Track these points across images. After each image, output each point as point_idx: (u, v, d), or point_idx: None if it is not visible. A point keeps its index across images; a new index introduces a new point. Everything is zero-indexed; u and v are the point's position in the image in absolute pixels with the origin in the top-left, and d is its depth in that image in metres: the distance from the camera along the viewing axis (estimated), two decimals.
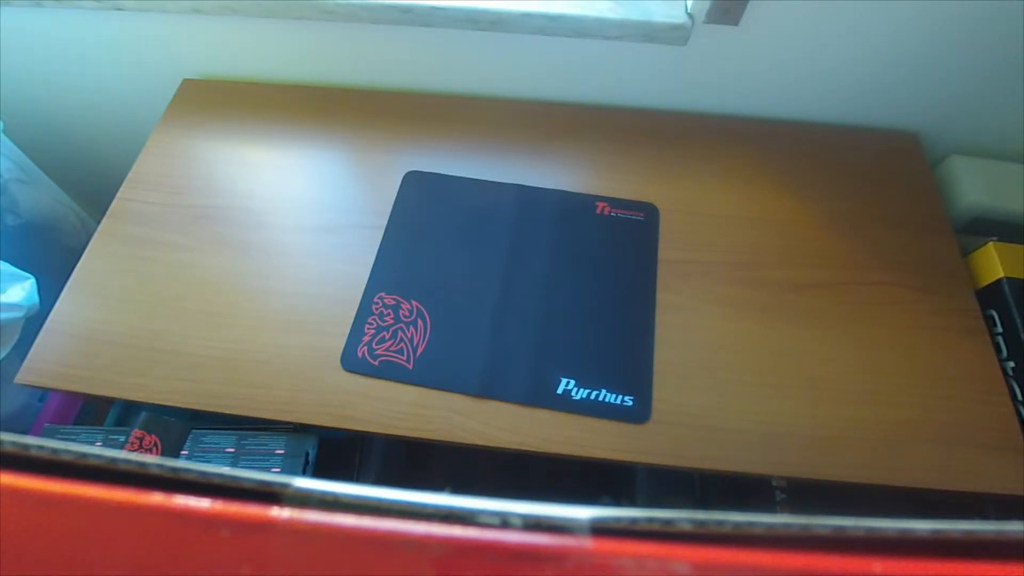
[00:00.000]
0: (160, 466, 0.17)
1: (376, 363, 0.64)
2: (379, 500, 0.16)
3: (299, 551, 0.16)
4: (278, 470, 0.65)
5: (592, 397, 0.62)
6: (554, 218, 0.75)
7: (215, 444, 0.67)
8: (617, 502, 0.79)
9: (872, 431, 0.60)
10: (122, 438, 0.67)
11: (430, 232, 0.74)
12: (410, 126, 0.85)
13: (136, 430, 0.65)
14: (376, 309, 0.68)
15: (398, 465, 0.82)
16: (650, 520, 0.16)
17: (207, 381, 0.64)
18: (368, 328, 0.67)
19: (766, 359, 0.64)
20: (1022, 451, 0.59)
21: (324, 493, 0.17)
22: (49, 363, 0.66)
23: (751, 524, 0.15)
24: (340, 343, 0.66)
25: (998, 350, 0.65)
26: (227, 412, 0.62)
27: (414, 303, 0.68)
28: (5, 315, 0.75)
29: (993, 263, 0.69)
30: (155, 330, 0.67)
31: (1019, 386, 0.64)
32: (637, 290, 0.69)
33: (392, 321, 0.67)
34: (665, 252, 0.72)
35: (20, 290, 0.77)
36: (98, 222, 0.76)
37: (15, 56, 0.93)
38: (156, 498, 0.16)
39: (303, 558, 0.16)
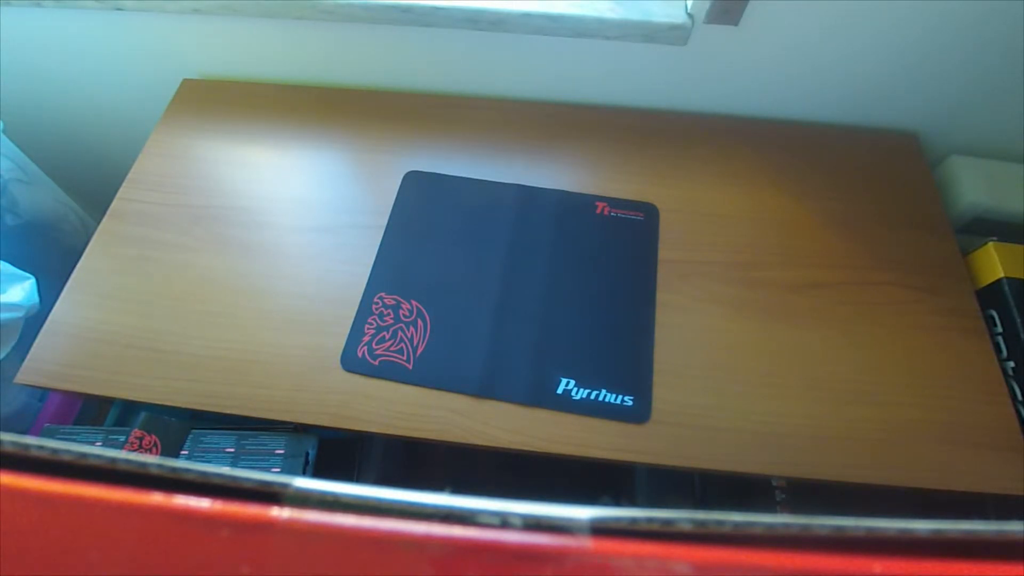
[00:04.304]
0: (160, 466, 0.17)
1: (376, 363, 0.64)
2: (379, 500, 0.16)
3: (299, 551, 0.16)
4: (278, 470, 0.65)
5: (592, 397, 0.62)
6: (554, 218, 0.75)
7: (215, 444, 0.67)
8: (617, 502, 0.79)
9: (872, 431, 0.60)
10: (122, 438, 0.67)
11: (430, 232, 0.74)
12: (410, 126, 0.85)
13: (136, 430, 0.65)
14: (376, 309, 0.68)
15: (398, 465, 0.82)
16: (650, 520, 0.16)
17: (207, 381, 0.64)
18: (368, 328, 0.67)
19: (766, 359, 0.64)
20: (1022, 451, 0.59)
21: (324, 493, 0.17)
22: (49, 363, 0.66)
23: (751, 524, 0.15)
24: (340, 343, 0.66)
25: (998, 350, 0.65)
26: (227, 412, 0.62)
27: (414, 303, 0.68)
28: (5, 315, 0.75)
29: (993, 263, 0.69)
30: (155, 330, 0.67)
31: (1019, 386, 0.64)
32: (637, 290, 0.69)
33: (392, 321, 0.67)
34: (665, 252, 0.72)
35: (20, 290, 0.77)
36: (98, 222, 0.76)
37: (15, 56, 0.93)
38: (156, 498, 0.16)
39: (303, 558, 0.16)
